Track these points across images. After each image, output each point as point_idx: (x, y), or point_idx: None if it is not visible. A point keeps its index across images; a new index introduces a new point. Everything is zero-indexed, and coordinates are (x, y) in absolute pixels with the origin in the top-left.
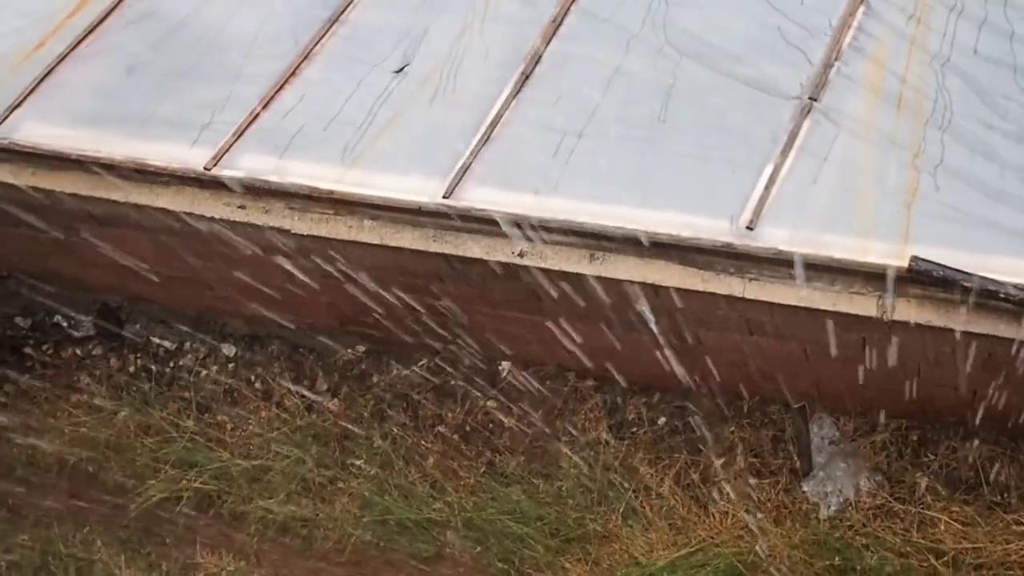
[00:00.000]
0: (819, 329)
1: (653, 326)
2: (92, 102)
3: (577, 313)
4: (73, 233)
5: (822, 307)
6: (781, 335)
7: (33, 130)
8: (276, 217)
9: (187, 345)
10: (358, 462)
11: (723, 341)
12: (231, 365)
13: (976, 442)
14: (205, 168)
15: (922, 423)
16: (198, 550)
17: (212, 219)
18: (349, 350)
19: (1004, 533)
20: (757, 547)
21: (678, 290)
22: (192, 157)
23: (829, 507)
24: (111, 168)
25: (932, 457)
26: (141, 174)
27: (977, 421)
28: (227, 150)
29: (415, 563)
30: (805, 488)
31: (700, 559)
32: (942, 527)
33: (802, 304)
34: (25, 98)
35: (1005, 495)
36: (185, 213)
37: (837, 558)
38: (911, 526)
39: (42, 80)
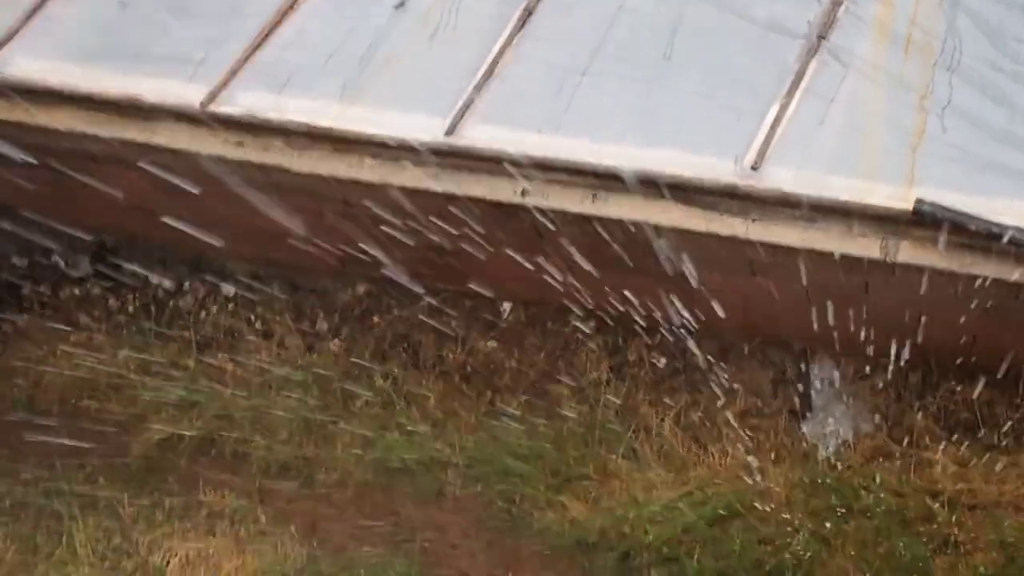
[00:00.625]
0: (822, 271)
1: (655, 267)
2: (85, 37)
3: (579, 254)
4: (68, 171)
5: (825, 249)
6: (784, 277)
7: (25, 65)
8: (275, 155)
9: (186, 285)
10: (359, 402)
11: (725, 283)
12: (231, 305)
13: (975, 385)
14: (201, 105)
15: (922, 366)
16: (201, 488)
17: (209, 156)
18: (350, 291)
19: (999, 474)
20: (755, 486)
21: (680, 231)
22: (188, 93)
23: (827, 448)
24: (105, 104)
25: (931, 399)
26: (136, 110)
27: (977, 364)
28: (224, 86)
29: (417, 501)
30: (804, 429)
31: (699, 498)
32: (939, 468)
33: (805, 246)
34: (16, 32)
35: (1001, 437)
36: (182, 150)
37: (834, 498)
38: (908, 467)
39: (33, 14)
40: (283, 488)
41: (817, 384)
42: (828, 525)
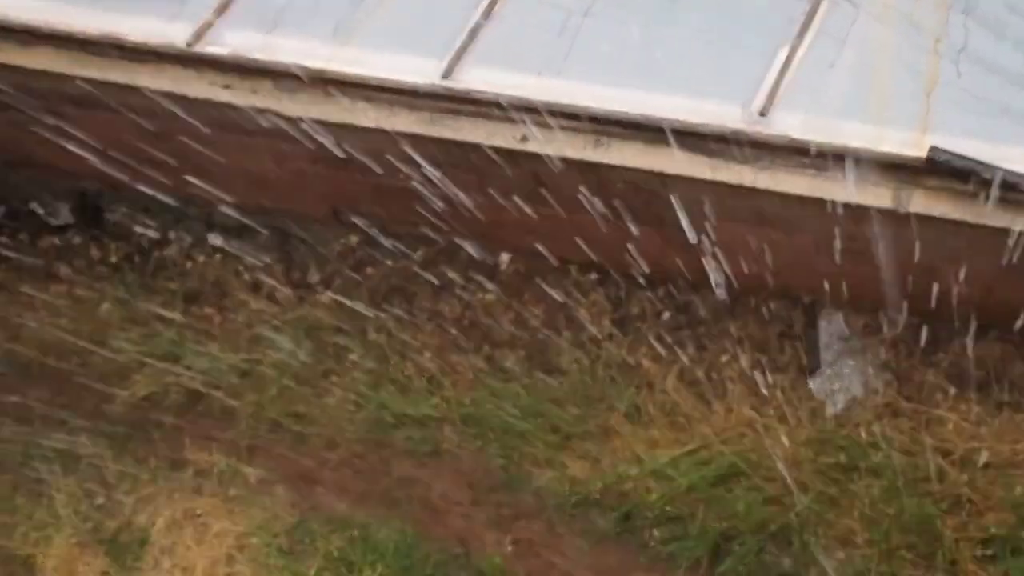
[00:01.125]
0: (832, 221)
1: (659, 217)
2: None
3: (580, 203)
4: (48, 115)
5: (836, 198)
6: (792, 228)
7: (1, 2)
8: (264, 98)
9: (172, 234)
10: (352, 356)
11: (731, 233)
12: (218, 255)
13: (987, 340)
14: (187, 45)
15: (933, 320)
16: (187, 446)
17: (196, 100)
18: (342, 240)
19: (1013, 432)
20: (761, 444)
21: (685, 179)
22: (173, 33)
23: (836, 405)
24: (86, 44)
25: (942, 355)
26: (118, 50)
27: (990, 319)
28: (210, 25)
29: (412, 459)
30: (812, 385)
31: (703, 456)
32: (950, 426)
33: (815, 195)
34: None
35: (1015, 394)
36: (166, 93)
37: (842, 456)
38: (919, 425)
39: None
40: (273, 446)
41: (825, 339)
42: (836, 485)
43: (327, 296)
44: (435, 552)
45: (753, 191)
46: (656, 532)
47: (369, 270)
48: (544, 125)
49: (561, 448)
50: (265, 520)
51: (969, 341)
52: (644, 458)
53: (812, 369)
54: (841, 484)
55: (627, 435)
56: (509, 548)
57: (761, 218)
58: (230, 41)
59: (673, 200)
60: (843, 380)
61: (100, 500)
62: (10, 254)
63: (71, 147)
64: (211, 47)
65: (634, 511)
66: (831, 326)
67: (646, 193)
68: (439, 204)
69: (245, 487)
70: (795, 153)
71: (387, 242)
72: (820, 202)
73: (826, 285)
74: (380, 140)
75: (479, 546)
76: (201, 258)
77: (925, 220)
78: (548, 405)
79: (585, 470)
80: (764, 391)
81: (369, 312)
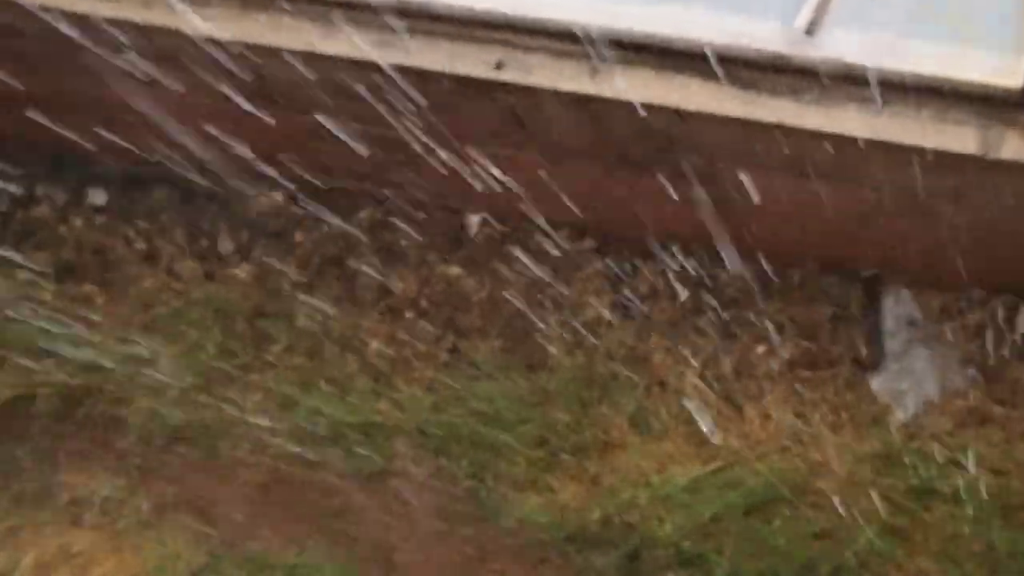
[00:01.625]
0: (899, 171)
1: (674, 167)
2: None
3: (571, 147)
4: None
5: (903, 141)
6: (847, 180)
7: None
8: (162, 14)
9: (40, 190)
10: (276, 348)
11: (768, 187)
12: (102, 217)
13: None
14: None
15: None
16: (61, 465)
17: (70, 16)
18: (263, 198)
19: None
20: (807, 461)
21: (709, 117)
22: None
23: (905, 410)
24: None
25: None
26: None
27: None
28: None
29: (354, 481)
30: (874, 384)
31: (732, 477)
32: None
33: (876, 137)
34: None
35: None
36: (28, 9)
37: (914, 477)
38: (1013, 436)
39: None
40: (173, 465)
41: (891, 324)
42: (905, 514)
43: (243, 270)
44: None
45: (796, 132)
46: (671, 574)
47: (298, 236)
48: (526, 48)
49: (548, 466)
50: (163, 560)
51: None
52: (655, 479)
53: (874, 363)
54: (912, 513)
55: (633, 449)
56: None
57: (806, 167)
58: None
59: (692, 145)
60: (914, 378)
61: None
62: None
63: None
64: None
65: (642, 548)
66: (898, 308)
67: (657, 136)
68: (389, 151)
69: (137, 518)
70: (850, 82)
71: (323, 200)
72: (882, 146)
73: (892, 254)
74: (316, 66)
75: None
76: (79, 221)
77: (1020, 169)
78: (531, 410)
79: (579, 495)
80: (811, 392)
81: (298, 291)
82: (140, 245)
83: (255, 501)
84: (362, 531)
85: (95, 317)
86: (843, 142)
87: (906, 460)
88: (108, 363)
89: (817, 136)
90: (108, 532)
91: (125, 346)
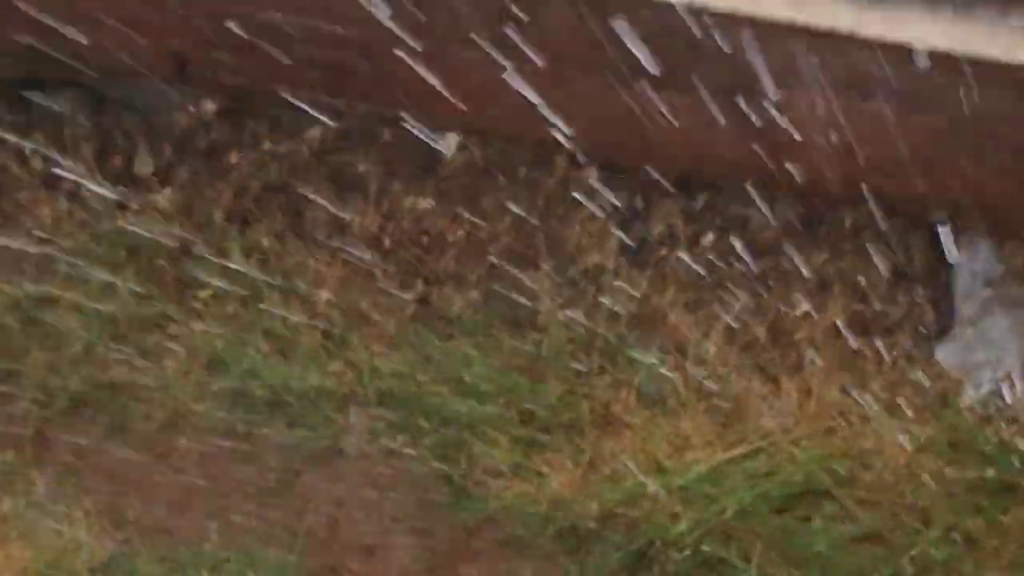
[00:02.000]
0: (978, 93)
1: (701, 81)
2: None
3: (573, 52)
4: None
5: (985, 55)
6: (914, 102)
7: None
8: None
9: None
10: (204, 294)
11: (816, 109)
12: None
13: None
14: None
15: None
16: None
17: None
18: (192, 108)
19: None
20: (856, 447)
21: (745, 18)
22: None
23: (979, 387)
24: None
25: None
26: None
27: None
28: None
29: (299, 458)
30: (940, 355)
31: (763, 465)
32: None
33: (950, 49)
34: None
35: None
36: None
37: (988, 470)
38: None
39: None
40: (75, 436)
41: (965, 283)
42: (977, 514)
43: (165, 197)
44: None
45: (851, 41)
46: None
47: (233, 157)
48: None
49: (535, 447)
50: (60, 553)
51: None
52: (668, 466)
53: (942, 330)
54: (985, 514)
55: (642, 428)
56: None
57: (864, 86)
58: None
59: (722, 54)
60: (991, 349)
61: None
62: None
63: None
64: None
65: (652, 548)
66: (974, 263)
67: (680, 43)
68: (347, 49)
69: (29, 500)
70: None
71: (264, 112)
72: (957, 61)
73: (967, 197)
74: None
75: None
76: None
77: None
78: (517, 378)
79: (573, 483)
80: (864, 363)
81: (232, 224)
82: (37, 164)
83: (176, 481)
84: (306, 521)
85: None
86: (909, 55)
87: (978, 449)
88: None
89: (877, 46)
90: None
91: (17, 289)
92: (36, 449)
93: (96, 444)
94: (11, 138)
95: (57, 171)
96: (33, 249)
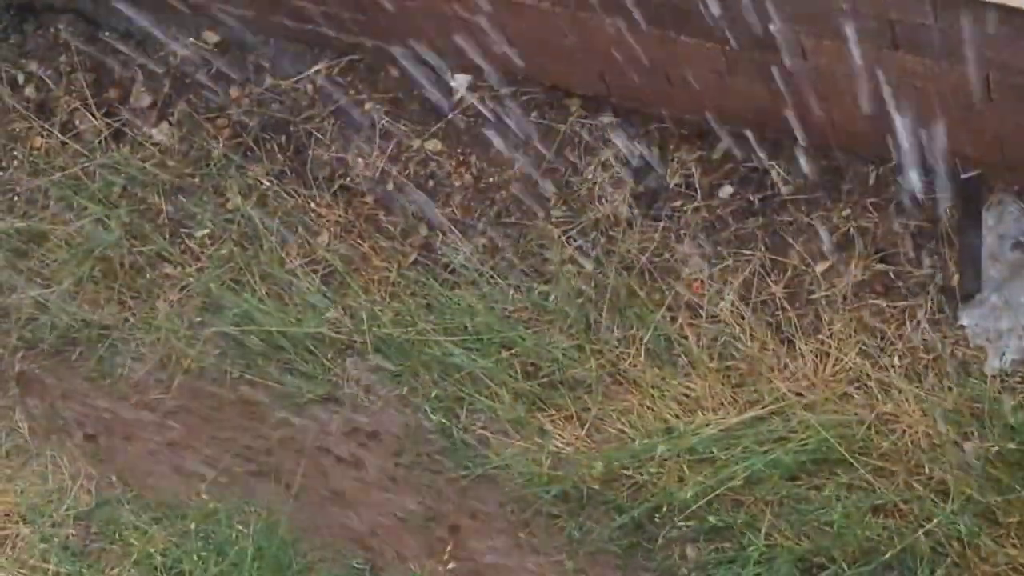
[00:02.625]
0: (1016, 41)
1: (719, 23)
2: None
3: None
4: None
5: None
6: (948, 52)
7: None
8: None
9: None
10: (200, 233)
11: (845, 58)
12: None
13: None
14: None
15: None
16: None
17: None
18: (192, 41)
19: None
20: (873, 413)
21: None
22: None
23: (1003, 355)
24: None
25: None
26: None
27: None
28: None
29: (291, 408)
30: (964, 321)
31: (775, 429)
32: None
33: None
34: None
35: None
36: None
37: (1012, 442)
38: None
39: None
40: (62, 378)
41: (992, 244)
42: (997, 488)
43: (162, 131)
44: (323, 566)
45: None
46: (690, 551)
47: (234, 92)
48: None
49: (539, 403)
50: (42, 497)
51: None
52: (677, 425)
53: (967, 294)
54: (1007, 488)
55: (650, 386)
56: (445, 569)
57: (897, 34)
58: None
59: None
60: (1018, 314)
61: None
62: None
63: None
64: None
65: (657, 514)
66: (1002, 223)
67: None
68: None
69: (14, 444)
70: None
71: (267, 46)
72: (994, 9)
73: (999, 153)
74: None
75: (395, 560)
76: None
77: None
78: (521, 330)
79: (577, 442)
80: (884, 326)
81: (231, 161)
82: (30, 92)
83: (163, 426)
84: (298, 473)
85: None
86: (944, 2)
87: (1001, 420)
88: None
89: None
90: None
91: (2, 221)
92: (21, 390)
93: (83, 387)
94: (4, 65)
95: (51, 101)
96: (24, 181)
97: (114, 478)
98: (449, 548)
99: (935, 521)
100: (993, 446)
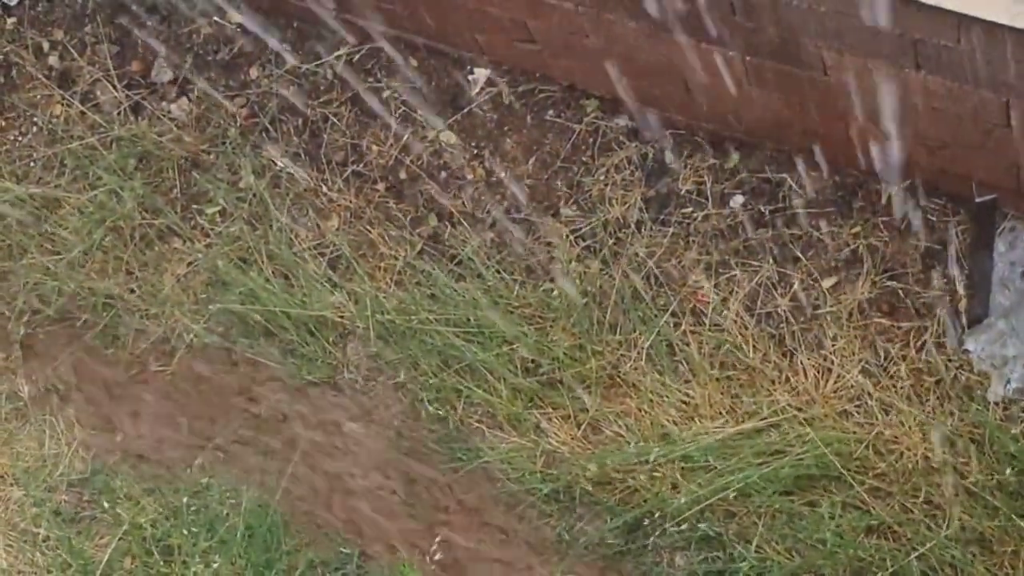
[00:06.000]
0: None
1: (741, 34)
2: None
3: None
4: None
5: None
6: (969, 76)
7: None
8: None
9: None
10: (211, 210)
11: (865, 77)
12: (10, 20)
13: None
14: None
15: None
16: None
17: None
18: (215, 19)
19: None
20: (872, 432)
21: None
22: None
23: (1007, 382)
24: None
25: None
26: None
27: None
28: None
29: (288, 390)
30: (970, 346)
31: (772, 441)
32: None
33: (1010, 23)
34: None
35: None
36: None
37: (1010, 470)
38: None
39: None
40: (64, 344)
41: (1002, 270)
42: (995, 516)
43: (181, 106)
44: (311, 549)
45: (913, 5)
46: (680, 559)
47: (253, 72)
48: None
49: (537, 400)
50: (37, 462)
51: None
52: (674, 431)
53: (974, 319)
54: (1002, 516)
55: (648, 390)
56: (431, 560)
57: (920, 55)
58: None
59: (769, 8)
60: None
61: None
62: None
63: None
64: None
65: (648, 520)
66: (1014, 250)
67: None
68: None
69: (13, 406)
70: None
71: (288, 29)
72: (1015, 35)
73: (1012, 178)
74: None
75: (382, 550)
76: None
77: None
78: (524, 326)
79: (572, 441)
80: (888, 346)
81: (246, 141)
82: (53, 60)
83: (162, 400)
84: (292, 455)
85: None
86: (971, 25)
87: (1001, 448)
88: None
89: (939, 14)
90: None
91: (21, 186)
92: (24, 353)
93: (86, 355)
94: (31, 32)
95: (73, 70)
96: (42, 148)
97: (110, 447)
98: (438, 539)
99: (928, 545)
100: (991, 473)
